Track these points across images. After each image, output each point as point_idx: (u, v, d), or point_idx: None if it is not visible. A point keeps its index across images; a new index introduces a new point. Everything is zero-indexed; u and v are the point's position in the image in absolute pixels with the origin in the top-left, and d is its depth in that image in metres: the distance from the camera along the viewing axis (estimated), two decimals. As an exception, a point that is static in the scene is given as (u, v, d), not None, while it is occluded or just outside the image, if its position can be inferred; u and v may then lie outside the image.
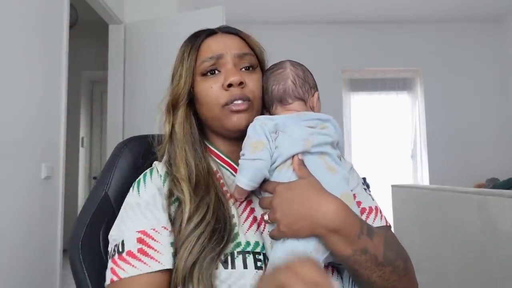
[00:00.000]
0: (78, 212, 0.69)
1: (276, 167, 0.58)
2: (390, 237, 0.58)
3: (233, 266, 0.54)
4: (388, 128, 4.37)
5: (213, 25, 0.75)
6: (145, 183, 0.63)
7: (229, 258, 0.55)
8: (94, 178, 4.62)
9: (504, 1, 3.92)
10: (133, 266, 0.54)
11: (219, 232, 0.55)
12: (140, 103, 2.68)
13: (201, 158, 0.65)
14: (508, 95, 4.24)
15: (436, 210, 2.24)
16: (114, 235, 0.59)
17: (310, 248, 0.52)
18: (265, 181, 0.59)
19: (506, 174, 3.83)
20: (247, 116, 0.63)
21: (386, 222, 0.65)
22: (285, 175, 0.57)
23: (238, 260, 0.55)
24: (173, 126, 0.66)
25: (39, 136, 1.76)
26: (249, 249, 0.56)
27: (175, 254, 0.56)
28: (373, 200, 0.67)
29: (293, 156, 0.58)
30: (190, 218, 0.56)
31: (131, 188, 0.64)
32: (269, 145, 0.58)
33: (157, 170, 0.65)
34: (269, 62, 0.73)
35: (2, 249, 1.48)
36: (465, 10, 4.11)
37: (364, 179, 3.56)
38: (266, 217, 0.56)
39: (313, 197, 0.53)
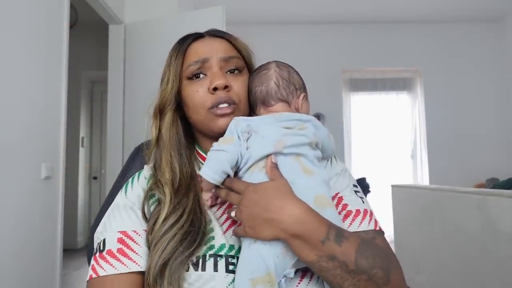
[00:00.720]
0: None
1: (248, 168, 0.58)
2: (368, 243, 0.53)
3: (203, 269, 0.55)
4: (388, 128, 4.37)
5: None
6: (132, 185, 0.66)
7: (200, 260, 0.55)
8: (95, 178, 4.62)
9: (504, 1, 3.92)
10: (111, 265, 0.56)
11: (192, 235, 0.56)
12: (140, 103, 2.67)
13: (185, 163, 0.65)
14: (508, 95, 4.24)
15: (436, 210, 2.24)
16: (98, 233, 0.61)
17: (277, 251, 0.52)
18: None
19: (506, 174, 3.83)
20: (232, 119, 0.63)
21: (376, 226, 0.61)
22: (256, 176, 0.57)
23: (209, 263, 0.55)
24: (159, 131, 0.67)
25: (39, 136, 1.76)
26: (222, 252, 0.57)
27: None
28: (363, 203, 0.64)
29: (267, 158, 0.57)
30: (165, 219, 0.58)
31: (121, 189, 0.67)
32: (239, 143, 0.58)
33: (144, 173, 0.68)
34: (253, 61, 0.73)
35: (2, 249, 1.48)
36: (465, 10, 4.11)
37: (364, 179, 3.58)
38: (232, 214, 0.57)
39: (277, 200, 0.52)
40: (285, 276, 0.52)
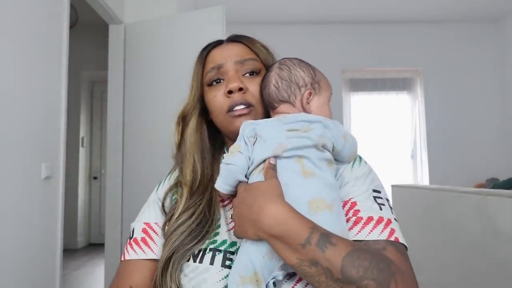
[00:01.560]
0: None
1: (252, 172, 0.58)
2: (365, 252, 0.48)
3: (200, 261, 0.59)
4: (388, 128, 4.36)
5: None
6: (163, 183, 0.74)
7: (200, 253, 0.60)
8: (95, 178, 4.63)
9: (504, 1, 3.92)
10: (134, 251, 0.65)
11: (196, 232, 0.61)
12: (140, 103, 2.68)
13: (208, 165, 0.70)
14: (508, 95, 4.24)
15: (436, 210, 2.24)
16: (133, 223, 0.70)
17: (263, 252, 0.52)
18: None
19: (506, 174, 3.83)
20: (248, 120, 0.64)
21: (390, 236, 0.55)
22: (256, 179, 0.57)
23: (207, 256, 0.59)
24: (182, 136, 0.72)
25: (39, 136, 1.76)
26: (222, 247, 0.60)
27: None
28: (381, 210, 0.57)
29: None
30: (178, 216, 0.64)
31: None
32: (246, 149, 0.59)
33: (174, 173, 0.74)
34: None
35: (2, 249, 1.48)
36: (465, 10, 4.11)
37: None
38: (228, 214, 0.61)
39: (261, 200, 0.51)
40: (274, 278, 0.51)
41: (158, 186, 0.74)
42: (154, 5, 2.87)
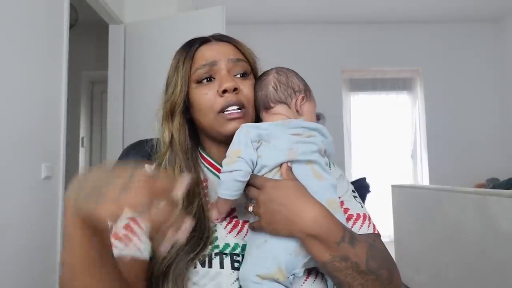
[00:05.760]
0: None
1: (264, 175, 0.60)
2: (374, 246, 0.57)
3: (210, 266, 0.57)
4: (388, 128, 4.37)
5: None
6: None
7: (206, 259, 0.58)
8: (94, 178, 4.62)
9: (504, 1, 3.92)
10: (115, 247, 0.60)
11: (195, 240, 0.58)
12: (140, 103, 2.68)
13: (191, 168, 0.66)
14: (508, 95, 4.24)
15: (436, 210, 2.24)
16: None
17: (290, 249, 0.54)
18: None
19: (506, 174, 3.83)
20: (242, 123, 0.64)
21: (374, 229, 0.65)
22: None
23: (215, 261, 0.57)
24: (172, 134, 0.68)
25: (39, 136, 1.76)
26: (227, 251, 0.59)
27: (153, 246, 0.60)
28: (362, 207, 0.67)
29: (280, 166, 0.59)
30: None
31: None
32: (247, 153, 0.58)
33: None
34: (271, 62, 0.74)
35: (2, 249, 1.48)
36: (465, 10, 4.11)
37: (364, 179, 3.58)
38: (250, 208, 0.58)
39: (296, 200, 0.54)
40: (293, 275, 0.54)
41: None
42: (154, 5, 2.87)
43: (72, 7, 3.26)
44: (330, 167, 0.69)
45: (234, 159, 0.58)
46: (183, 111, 0.68)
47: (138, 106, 2.69)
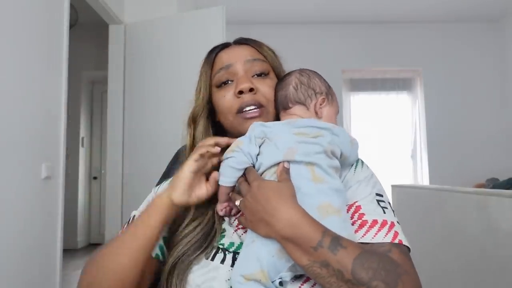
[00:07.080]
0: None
1: (262, 174, 0.59)
2: (372, 255, 0.50)
3: (212, 259, 0.59)
4: (388, 128, 4.36)
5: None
6: (165, 183, 0.73)
7: (213, 251, 0.60)
8: (95, 178, 4.62)
9: (504, 1, 3.92)
10: None
11: (200, 243, 0.61)
12: (140, 103, 2.68)
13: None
14: (508, 95, 4.24)
15: (436, 210, 2.24)
16: (134, 211, 0.70)
17: (272, 251, 0.52)
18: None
19: (506, 174, 3.83)
20: (259, 122, 0.64)
21: (394, 238, 0.56)
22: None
23: (219, 256, 0.60)
24: (194, 138, 0.71)
25: (39, 136, 1.76)
26: (231, 249, 0.60)
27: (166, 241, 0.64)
28: (384, 213, 0.59)
29: (278, 165, 0.58)
30: (187, 225, 0.64)
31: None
32: (248, 146, 0.60)
33: None
34: (282, 65, 0.75)
35: (2, 249, 1.48)
36: (465, 10, 4.11)
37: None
38: (237, 202, 0.59)
39: (275, 201, 0.52)
40: (281, 278, 0.52)
41: (157, 188, 0.74)
42: (154, 5, 2.87)
43: (72, 7, 3.27)
44: (356, 167, 0.65)
45: (233, 148, 0.60)
46: (207, 116, 0.72)
47: (138, 106, 2.69)
